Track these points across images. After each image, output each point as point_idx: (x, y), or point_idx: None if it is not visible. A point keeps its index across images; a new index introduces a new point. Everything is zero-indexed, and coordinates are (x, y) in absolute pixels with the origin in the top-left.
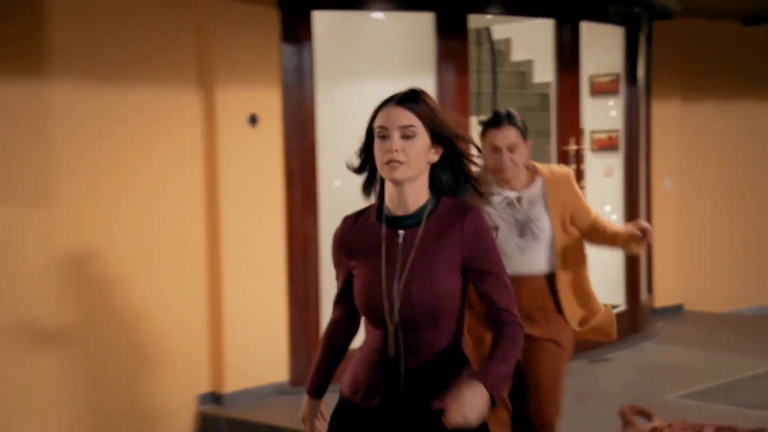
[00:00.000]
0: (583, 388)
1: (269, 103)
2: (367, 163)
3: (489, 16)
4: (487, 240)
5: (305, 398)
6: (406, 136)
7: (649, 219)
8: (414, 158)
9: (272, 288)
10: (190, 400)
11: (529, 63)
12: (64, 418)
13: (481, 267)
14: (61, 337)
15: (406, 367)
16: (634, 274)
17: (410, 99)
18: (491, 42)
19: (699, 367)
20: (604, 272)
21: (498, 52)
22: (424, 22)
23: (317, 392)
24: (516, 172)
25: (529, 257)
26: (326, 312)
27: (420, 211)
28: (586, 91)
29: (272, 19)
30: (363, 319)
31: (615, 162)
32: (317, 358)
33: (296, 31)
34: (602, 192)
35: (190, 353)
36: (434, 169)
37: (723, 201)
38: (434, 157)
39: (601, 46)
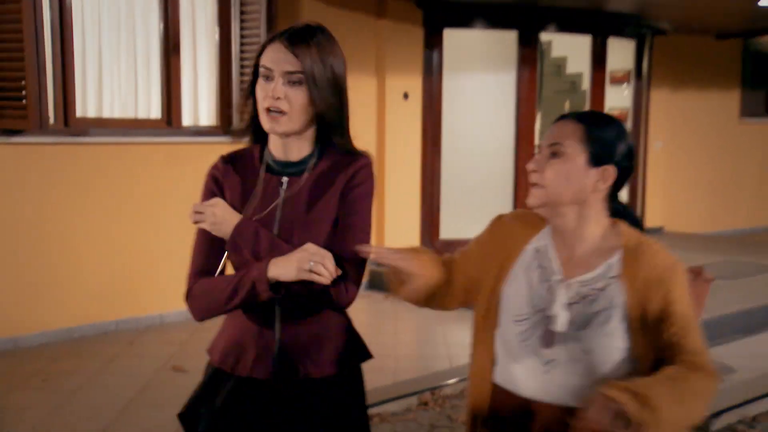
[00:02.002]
0: None
1: (415, 85)
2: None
3: (549, 33)
4: (362, 191)
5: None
6: (291, 83)
7: (644, 168)
8: (297, 112)
9: (411, 202)
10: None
11: (564, 59)
12: None
13: (345, 220)
14: None
15: (282, 330)
16: (633, 200)
17: (302, 39)
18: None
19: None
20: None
21: (543, 51)
22: (510, 37)
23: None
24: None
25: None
26: (445, 221)
27: (305, 160)
28: (607, 81)
29: (419, 33)
30: None
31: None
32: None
33: (433, 41)
34: None
35: None
36: (321, 122)
37: (697, 155)
38: (321, 108)
39: (619, 52)
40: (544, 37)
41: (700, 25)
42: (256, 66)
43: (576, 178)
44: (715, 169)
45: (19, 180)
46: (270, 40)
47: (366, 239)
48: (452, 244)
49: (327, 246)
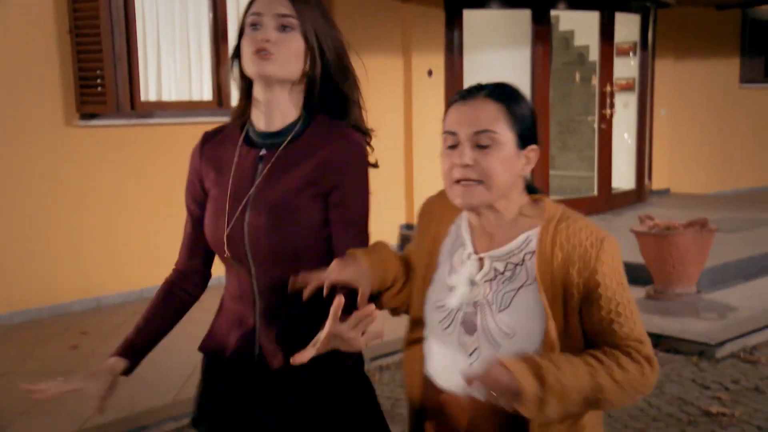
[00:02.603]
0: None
1: (438, 63)
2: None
3: (560, 10)
4: (356, 177)
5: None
6: (283, 27)
7: (650, 134)
8: (287, 56)
9: (437, 170)
10: (395, 227)
11: (571, 32)
12: None
13: (338, 212)
14: None
15: (262, 314)
16: (641, 164)
17: None
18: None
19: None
20: (625, 161)
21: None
22: (523, 15)
23: (126, 351)
24: (478, 199)
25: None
26: None
27: (288, 129)
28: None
29: (441, 15)
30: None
31: (630, 99)
32: (142, 316)
33: (453, 22)
34: (621, 119)
35: (395, 198)
36: (311, 88)
37: (699, 120)
38: (314, 68)
39: (625, 25)
40: (553, 12)
41: None
42: (243, 25)
43: (511, 165)
44: (717, 134)
45: (99, 157)
46: None
47: (366, 237)
48: None
49: (318, 229)
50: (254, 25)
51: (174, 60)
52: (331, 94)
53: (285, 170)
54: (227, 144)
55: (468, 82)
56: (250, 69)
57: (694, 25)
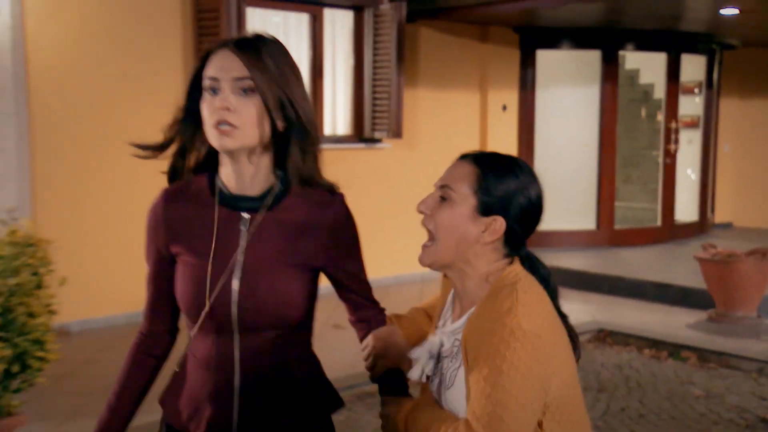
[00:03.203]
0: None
1: (512, 99)
2: (183, 129)
3: (628, 51)
4: (353, 233)
5: None
6: (243, 90)
7: (713, 169)
8: (249, 125)
9: None
10: None
11: (636, 70)
12: None
13: (345, 268)
14: None
15: (242, 381)
16: (704, 197)
17: (252, 45)
18: None
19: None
20: (687, 195)
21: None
22: (593, 56)
23: None
24: (428, 258)
25: None
26: None
27: (265, 194)
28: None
29: (516, 54)
30: (187, 325)
31: (695, 135)
32: (114, 389)
33: (527, 61)
34: (685, 154)
35: None
36: (280, 148)
37: (762, 156)
38: (279, 124)
39: (691, 65)
40: (620, 52)
41: (766, 40)
42: (194, 82)
43: (460, 226)
44: None
45: None
46: (213, 49)
47: (368, 286)
48: (544, 235)
49: (306, 298)
50: (213, 89)
51: None
52: (291, 149)
53: (274, 235)
54: (195, 204)
55: (539, 116)
56: (212, 142)
57: (759, 66)
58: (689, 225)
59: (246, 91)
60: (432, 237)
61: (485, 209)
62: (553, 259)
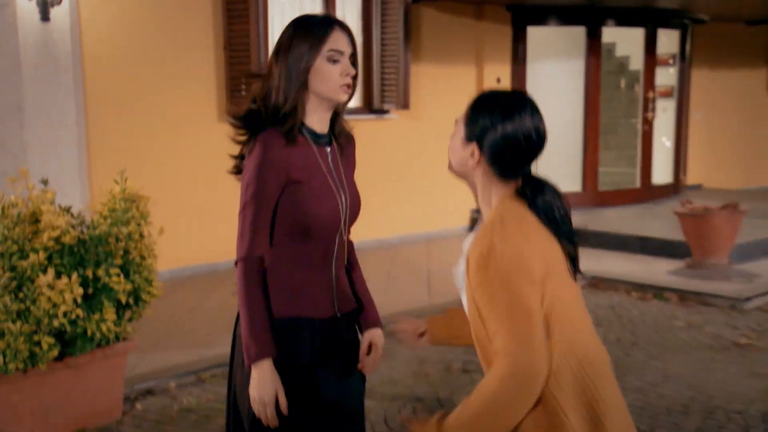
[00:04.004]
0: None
1: (505, 72)
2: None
3: (609, 27)
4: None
5: (266, 368)
6: (353, 63)
7: (686, 135)
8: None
9: None
10: (467, 211)
11: (613, 44)
12: None
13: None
14: None
15: (336, 273)
16: (677, 162)
17: (347, 27)
18: None
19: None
20: (662, 159)
21: None
22: (578, 32)
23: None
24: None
25: None
26: None
27: (329, 132)
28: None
29: (508, 31)
30: (284, 238)
31: (669, 104)
32: (261, 313)
33: (519, 37)
34: (660, 121)
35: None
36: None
37: (730, 124)
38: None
39: (666, 39)
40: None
41: (734, 15)
42: (311, 51)
43: (456, 151)
44: (745, 136)
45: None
46: (329, 30)
47: None
48: None
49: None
50: (334, 60)
51: None
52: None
53: (345, 161)
54: (292, 144)
55: (531, 88)
56: (336, 95)
57: (727, 39)
58: (664, 186)
59: (353, 64)
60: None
61: (468, 137)
62: None
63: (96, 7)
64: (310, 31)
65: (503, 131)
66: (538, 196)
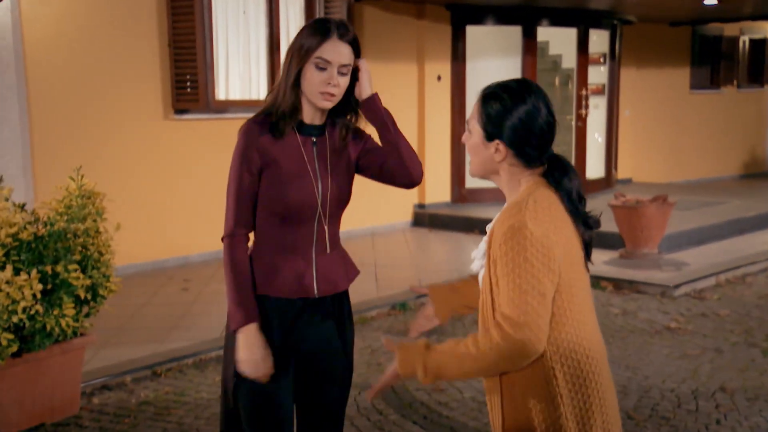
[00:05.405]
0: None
1: (445, 70)
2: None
3: (544, 27)
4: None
5: (253, 331)
6: (342, 73)
7: (616, 131)
8: (342, 92)
9: (443, 159)
10: (410, 206)
11: (547, 42)
12: None
13: (374, 145)
14: None
15: (316, 257)
16: (609, 157)
17: (348, 34)
18: None
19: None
20: (594, 155)
21: None
22: (515, 31)
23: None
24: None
25: None
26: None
27: (324, 124)
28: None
29: (448, 29)
30: (265, 221)
31: (600, 101)
32: (245, 282)
33: (458, 35)
34: (593, 117)
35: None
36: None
37: (657, 121)
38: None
39: (597, 39)
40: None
41: (659, 16)
42: (303, 54)
43: (479, 151)
44: (672, 132)
45: (188, 143)
46: (324, 38)
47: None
48: (475, 191)
49: (349, 184)
50: (322, 68)
51: (237, 66)
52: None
53: (336, 151)
54: (273, 132)
55: (470, 86)
56: (316, 102)
57: (653, 40)
58: (597, 181)
59: (344, 74)
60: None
61: (488, 136)
62: (481, 212)
63: (38, 3)
64: (308, 37)
65: (521, 117)
66: (564, 179)
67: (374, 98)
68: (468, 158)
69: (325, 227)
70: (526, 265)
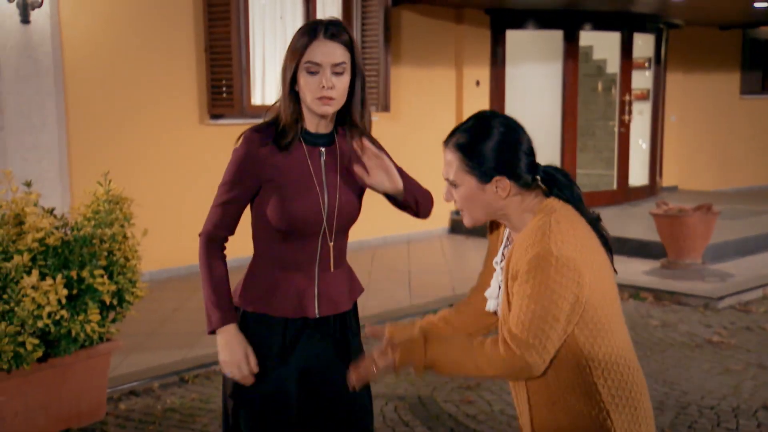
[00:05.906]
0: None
1: (484, 75)
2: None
3: (587, 31)
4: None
5: (231, 331)
6: (337, 73)
7: (661, 138)
8: (342, 93)
9: None
10: (447, 213)
11: (590, 47)
12: None
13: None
14: None
15: (319, 275)
16: (653, 164)
17: (339, 32)
18: None
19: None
20: (638, 162)
21: None
22: (556, 35)
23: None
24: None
25: None
26: None
27: (332, 132)
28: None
29: (487, 34)
30: (264, 237)
31: (645, 107)
32: (222, 284)
33: (498, 40)
34: (636, 124)
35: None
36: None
37: (704, 127)
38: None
39: (642, 43)
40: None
41: (707, 20)
42: (292, 59)
43: (477, 198)
44: (720, 138)
45: (224, 147)
46: (309, 41)
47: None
48: None
49: (361, 195)
50: (313, 72)
51: (275, 71)
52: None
53: (345, 163)
54: (275, 144)
55: (509, 90)
56: (315, 109)
57: (701, 43)
58: (641, 188)
59: (339, 73)
60: (461, 209)
61: (484, 177)
62: None
63: (76, 9)
64: (295, 41)
65: (503, 141)
66: (574, 187)
67: (406, 188)
68: (460, 212)
69: (330, 244)
70: (547, 292)
